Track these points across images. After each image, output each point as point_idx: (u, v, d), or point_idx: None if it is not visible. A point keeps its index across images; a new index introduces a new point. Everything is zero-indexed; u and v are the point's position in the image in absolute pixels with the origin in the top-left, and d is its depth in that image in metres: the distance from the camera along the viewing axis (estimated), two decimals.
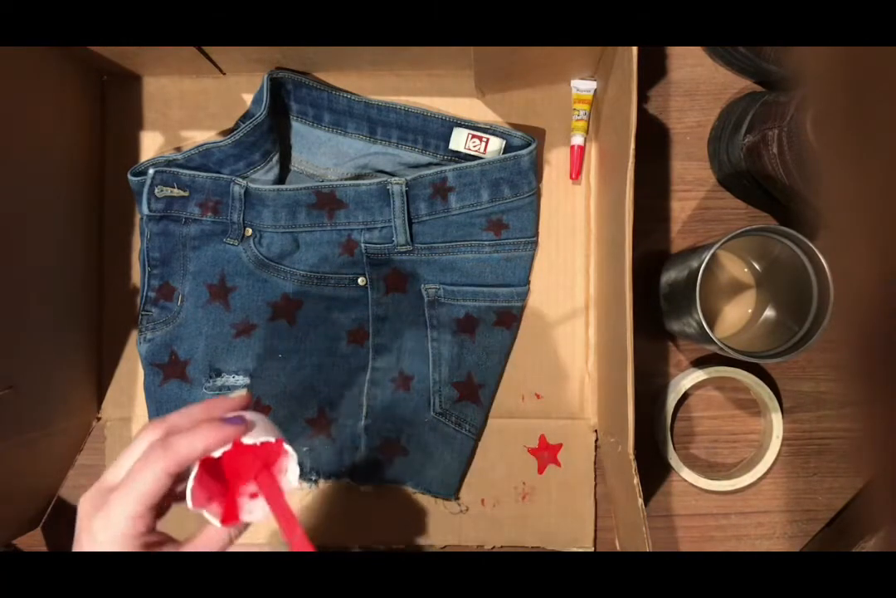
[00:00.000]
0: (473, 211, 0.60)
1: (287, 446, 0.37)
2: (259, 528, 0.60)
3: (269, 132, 0.59)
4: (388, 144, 0.62)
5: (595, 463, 0.61)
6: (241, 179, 0.59)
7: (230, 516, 0.37)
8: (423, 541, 0.61)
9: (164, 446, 0.35)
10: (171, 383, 0.59)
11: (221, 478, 0.38)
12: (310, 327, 0.61)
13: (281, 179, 0.62)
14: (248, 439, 0.36)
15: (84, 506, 0.36)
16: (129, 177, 0.58)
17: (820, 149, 0.45)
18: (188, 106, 0.63)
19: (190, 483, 0.35)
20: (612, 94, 0.56)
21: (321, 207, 0.59)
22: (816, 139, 0.47)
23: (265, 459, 0.38)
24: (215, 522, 0.36)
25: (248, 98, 0.62)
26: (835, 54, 0.19)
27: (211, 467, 0.37)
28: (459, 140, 0.60)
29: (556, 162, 0.63)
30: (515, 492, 0.61)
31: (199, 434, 0.35)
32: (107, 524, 0.35)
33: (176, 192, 0.58)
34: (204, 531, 0.38)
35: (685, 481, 0.60)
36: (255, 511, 0.38)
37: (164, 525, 0.38)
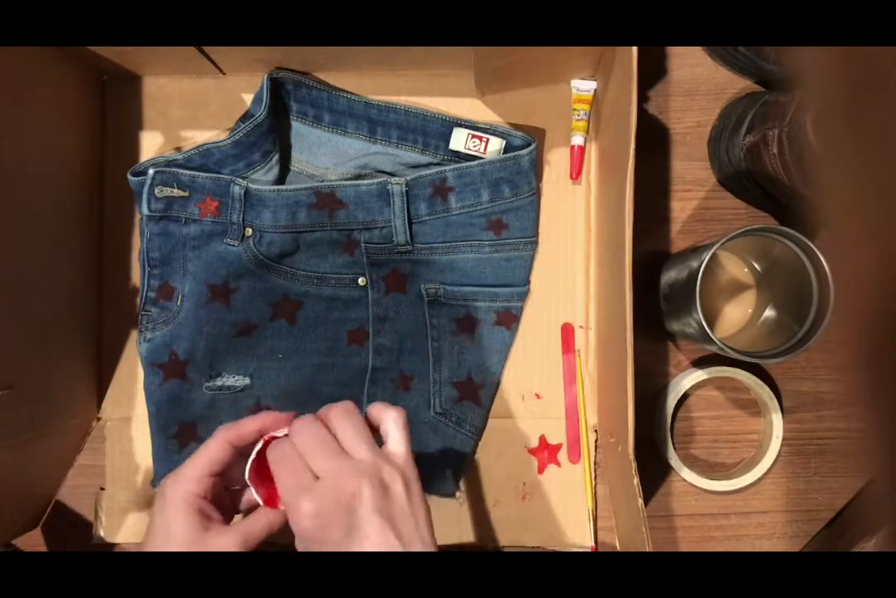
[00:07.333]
0: (473, 211, 0.60)
1: None
2: None
3: (268, 132, 0.59)
4: (388, 143, 0.62)
5: (595, 463, 0.61)
6: (241, 180, 0.59)
7: (271, 500, 0.44)
8: None
9: (229, 425, 0.44)
10: (171, 382, 0.59)
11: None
12: (310, 328, 0.61)
13: (281, 179, 0.62)
14: (277, 433, 0.44)
15: (164, 482, 0.43)
16: (129, 177, 0.58)
17: (820, 149, 0.45)
18: (188, 106, 0.63)
19: (251, 457, 0.43)
20: (612, 94, 0.56)
21: (321, 207, 0.59)
22: (816, 139, 0.47)
23: None
24: (259, 500, 0.43)
25: (248, 98, 0.62)
26: (834, 54, 0.19)
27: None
28: (459, 140, 0.60)
29: (556, 162, 0.63)
30: (515, 492, 0.61)
31: (257, 417, 0.45)
32: (175, 482, 0.42)
33: (176, 192, 0.58)
34: (251, 516, 0.44)
35: (685, 481, 0.61)
36: None
37: None
